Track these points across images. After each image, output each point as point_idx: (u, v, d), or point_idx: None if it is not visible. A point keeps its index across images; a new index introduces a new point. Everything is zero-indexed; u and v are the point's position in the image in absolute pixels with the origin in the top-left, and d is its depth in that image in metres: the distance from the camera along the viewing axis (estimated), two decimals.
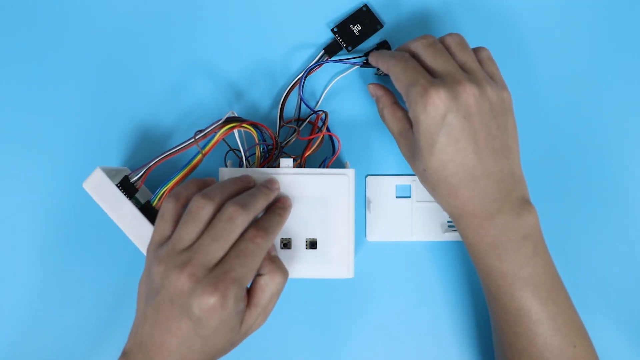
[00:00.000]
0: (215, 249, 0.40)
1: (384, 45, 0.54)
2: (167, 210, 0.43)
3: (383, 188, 0.54)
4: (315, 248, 0.47)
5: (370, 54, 0.50)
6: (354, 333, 0.53)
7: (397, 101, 0.49)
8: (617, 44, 0.55)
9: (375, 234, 0.53)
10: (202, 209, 0.42)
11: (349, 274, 0.47)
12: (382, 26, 0.54)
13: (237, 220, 0.41)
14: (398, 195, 0.54)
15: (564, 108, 0.54)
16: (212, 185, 0.45)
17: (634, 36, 0.55)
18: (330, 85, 0.54)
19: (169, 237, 0.42)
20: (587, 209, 0.54)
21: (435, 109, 0.42)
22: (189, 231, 0.41)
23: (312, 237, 0.47)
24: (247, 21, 0.55)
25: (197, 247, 0.41)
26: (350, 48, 0.54)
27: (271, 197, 0.45)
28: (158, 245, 0.43)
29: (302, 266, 0.47)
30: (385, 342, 0.53)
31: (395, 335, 0.53)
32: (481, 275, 0.47)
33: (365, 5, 0.54)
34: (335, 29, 0.54)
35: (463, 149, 0.42)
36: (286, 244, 0.48)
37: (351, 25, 0.54)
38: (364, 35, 0.54)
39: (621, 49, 0.55)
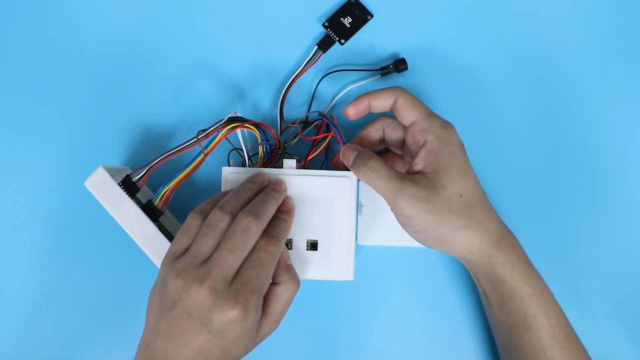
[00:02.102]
0: (232, 261, 0.40)
1: (402, 63, 0.54)
2: (192, 225, 0.43)
3: (375, 192, 0.53)
4: (316, 249, 0.47)
5: (364, 98, 0.48)
6: (350, 333, 0.54)
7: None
8: (616, 45, 0.56)
9: (367, 237, 0.53)
10: (221, 221, 0.42)
11: (349, 276, 0.48)
12: (372, 16, 0.55)
13: (252, 230, 0.41)
14: None
15: (563, 109, 0.55)
16: (227, 195, 0.44)
17: (631, 39, 0.56)
18: (342, 93, 0.55)
19: (187, 250, 0.42)
20: (587, 210, 0.54)
21: (457, 135, 0.45)
22: (208, 243, 0.41)
23: (313, 239, 0.48)
24: (243, 22, 0.56)
25: (215, 260, 0.40)
26: (343, 41, 0.54)
27: (280, 200, 0.45)
28: (175, 257, 0.42)
29: (302, 267, 0.47)
30: (380, 343, 0.54)
31: (389, 336, 0.54)
32: (518, 301, 0.46)
33: None
34: (326, 24, 0.54)
35: (475, 175, 0.46)
36: (287, 244, 0.48)
37: (342, 18, 0.54)
38: (355, 26, 0.54)
39: (619, 51, 0.56)
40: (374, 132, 0.49)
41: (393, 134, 0.49)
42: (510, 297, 0.46)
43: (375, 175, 0.44)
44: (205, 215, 0.43)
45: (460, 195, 0.44)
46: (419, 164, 0.45)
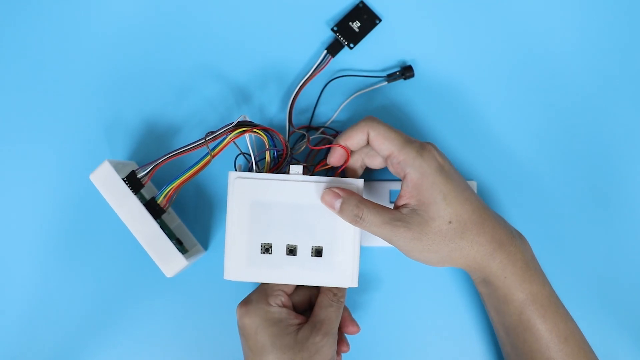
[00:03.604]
0: None
1: (409, 70, 0.54)
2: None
3: (377, 193, 0.55)
4: (321, 256, 0.48)
5: (339, 136, 0.48)
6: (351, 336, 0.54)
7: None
8: (627, 48, 0.56)
9: (369, 239, 0.54)
10: None
11: (353, 284, 0.48)
12: (380, 20, 0.55)
13: None
14: (392, 200, 0.54)
15: (573, 110, 0.56)
16: None
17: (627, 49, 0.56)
18: (347, 100, 0.55)
19: None
20: (589, 211, 0.55)
21: (436, 160, 0.45)
22: None
23: (318, 245, 0.48)
24: (252, 25, 0.55)
25: None
26: (352, 45, 0.54)
27: None
28: None
29: (306, 273, 0.48)
30: (384, 343, 0.55)
31: (393, 337, 0.55)
32: (512, 306, 0.47)
33: (362, 2, 0.55)
34: (335, 28, 0.54)
35: (465, 189, 0.47)
36: (292, 251, 0.48)
37: (350, 23, 0.54)
38: (364, 31, 0.55)
39: (630, 53, 0.56)
40: (353, 164, 0.50)
41: (373, 162, 0.49)
42: (504, 301, 0.48)
43: (366, 224, 0.46)
44: None
45: (450, 222, 0.45)
46: (404, 197, 0.46)
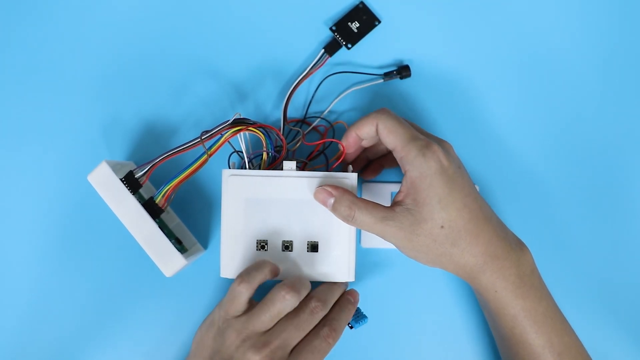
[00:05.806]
0: (295, 337, 0.44)
1: (406, 70, 0.54)
2: (241, 293, 0.45)
3: (379, 194, 0.55)
4: (317, 251, 0.48)
5: (350, 128, 0.49)
6: (352, 335, 0.53)
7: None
8: (633, 49, 0.56)
9: (370, 240, 0.54)
10: (288, 302, 0.45)
11: (350, 277, 0.48)
12: (379, 22, 0.55)
13: (318, 314, 0.46)
14: None
15: (575, 112, 0.56)
16: (295, 280, 0.46)
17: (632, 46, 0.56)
18: (342, 95, 0.55)
19: (244, 313, 0.46)
20: (588, 211, 0.55)
21: (439, 161, 0.44)
22: (272, 319, 0.45)
23: (313, 240, 0.48)
24: (251, 23, 0.56)
25: (278, 333, 0.44)
26: (349, 46, 0.54)
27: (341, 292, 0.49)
28: (233, 317, 0.46)
29: (303, 269, 0.48)
30: (378, 346, 0.54)
31: (388, 339, 0.54)
32: (504, 320, 0.46)
33: (362, 2, 0.55)
34: (333, 28, 0.54)
35: (468, 195, 0.45)
36: (288, 247, 0.48)
37: (349, 23, 0.55)
38: (363, 31, 0.55)
39: (620, 57, 0.56)
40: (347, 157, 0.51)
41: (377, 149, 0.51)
42: (496, 314, 0.47)
43: (358, 223, 0.46)
44: (251, 284, 0.46)
45: (442, 227, 0.44)
46: (402, 194, 0.46)
